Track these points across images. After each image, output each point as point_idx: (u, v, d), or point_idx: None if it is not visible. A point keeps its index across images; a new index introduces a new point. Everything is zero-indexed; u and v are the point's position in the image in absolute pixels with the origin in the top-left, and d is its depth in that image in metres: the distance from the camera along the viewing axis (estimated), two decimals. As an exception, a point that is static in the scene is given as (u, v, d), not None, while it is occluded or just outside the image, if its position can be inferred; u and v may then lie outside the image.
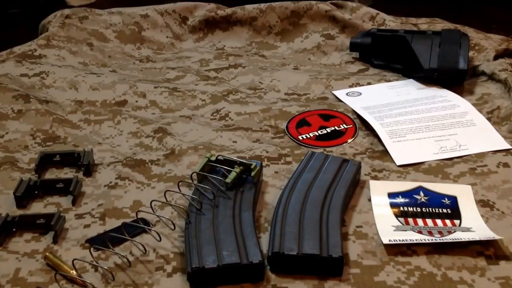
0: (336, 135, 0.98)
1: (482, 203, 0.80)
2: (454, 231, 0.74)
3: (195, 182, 0.80)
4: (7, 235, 0.76)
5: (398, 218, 0.77)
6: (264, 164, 0.88)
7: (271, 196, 0.82)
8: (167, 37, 1.39)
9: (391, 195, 0.81)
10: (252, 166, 0.80)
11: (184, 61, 1.30)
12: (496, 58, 1.18)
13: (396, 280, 0.67)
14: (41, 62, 1.22)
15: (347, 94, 1.12)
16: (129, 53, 1.33)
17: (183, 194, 0.78)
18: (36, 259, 0.72)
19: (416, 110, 1.03)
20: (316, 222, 0.72)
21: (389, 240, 0.72)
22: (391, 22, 1.34)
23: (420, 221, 0.76)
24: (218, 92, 1.13)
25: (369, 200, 0.81)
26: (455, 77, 1.10)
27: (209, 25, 1.41)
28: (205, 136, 0.98)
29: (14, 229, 0.76)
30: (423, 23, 1.36)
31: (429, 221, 0.76)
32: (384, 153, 0.92)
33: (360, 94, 1.11)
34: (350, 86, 1.15)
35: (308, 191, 0.78)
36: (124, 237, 0.72)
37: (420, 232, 0.74)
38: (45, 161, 0.90)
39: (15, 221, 0.77)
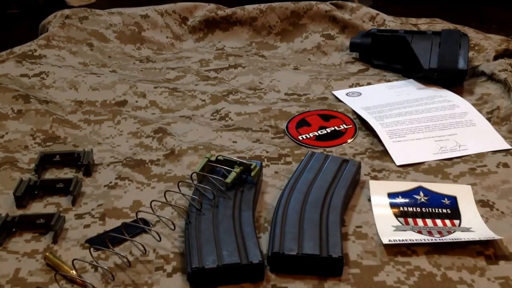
0: (336, 135, 0.98)
1: (482, 203, 0.80)
2: (454, 231, 0.74)
3: (195, 182, 0.80)
4: (7, 235, 0.76)
5: (398, 218, 0.77)
6: (264, 164, 0.88)
7: (271, 196, 0.82)
8: (167, 37, 1.40)
9: (391, 195, 0.81)
10: (252, 166, 0.80)
11: (184, 61, 1.30)
12: (496, 58, 1.18)
13: (396, 280, 0.67)
14: (41, 62, 1.22)
15: (347, 94, 1.12)
16: (129, 53, 1.33)
17: (183, 194, 0.78)
18: (36, 259, 0.72)
19: (416, 110, 1.03)
20: (316, 222, 0.72)
21: (389, 240, 0.72)
22: (391, 22, 1.34)
23: (420, 221, 0.76)
24: (218, 92, 1.13)
25: (369, 200, 0.81)
26: (455, 77, 1.10)
27: (209, 26, 1.41)
28: (205, 136, 0.98)
29: (14, 229, 0.76)
30: (423, 23, 1.36)
31: (429, 221, 0.76)
32: (384, 153, 0.92)
33: (360, 94, 1.11)
34: (350, 86, 1.15)
35: (308, 191, 0.78)
36: (124, 237, 0.72)
37: (420, 232, 0.74)
38: (45, 161, 0.90)
39: (15, 221, 0.77)
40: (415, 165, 0.89)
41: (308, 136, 0.97)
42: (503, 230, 0.74)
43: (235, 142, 0.96)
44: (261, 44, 1.38)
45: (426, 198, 0.80)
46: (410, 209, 0.79)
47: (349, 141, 0.96)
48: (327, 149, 0.94)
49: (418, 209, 0.78)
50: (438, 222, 0.76)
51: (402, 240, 0.72)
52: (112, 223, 0.77)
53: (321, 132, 0.99)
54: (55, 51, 1.27)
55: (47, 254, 0.71)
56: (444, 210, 0.78)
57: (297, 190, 0.79)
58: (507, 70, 1.10)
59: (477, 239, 0.72)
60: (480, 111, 1.02)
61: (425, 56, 1.12)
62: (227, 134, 0.98)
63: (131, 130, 1.00)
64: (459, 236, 0.73)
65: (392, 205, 0.79)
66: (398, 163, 0.89)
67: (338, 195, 0.78)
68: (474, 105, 1.03)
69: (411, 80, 1.15)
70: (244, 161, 0.81)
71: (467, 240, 0.72)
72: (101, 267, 0.69)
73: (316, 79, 1.18)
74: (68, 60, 1.25)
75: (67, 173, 0.89)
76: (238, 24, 1.40)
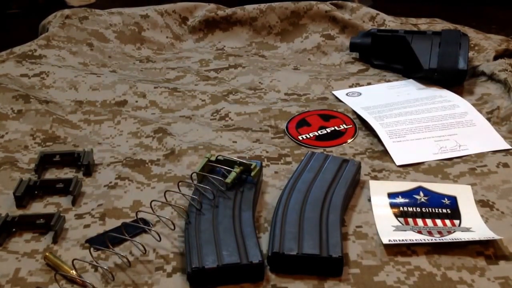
0: (336, 135, 0.98)
1: (482, 203, 0.80)
2: (454, 231, 0.74)
3: (195, 182, 0.80)
4: (7, 235, 0.76)
5: (398, 218, 0.77)
6: (264, 164, 0.88)
7: (271, 196, 0.82)
8: (167, 37, 1.40)
9: (391, 195, 0.81)
10: (252, 166, 0.80)
11: (184, 61, 1.30)
12: (496, 58, 1.18)
13: (396, 280, 0.67)
14: (41, 62, 1.22)
15: (347, 94, 1.12)
16: (129, 53, 1.33)
17: (183, 194, 0.78)
18: (36, 259, 0.72)
19: (416, 110, 1.03)
20: (316, 222, 0.72)
21: (389, 240, 0.72)
22: (391, 22, 1.34)
23: (420, 221, 0.76)
24: (218, 92, 1.13)
25: (369, 200, 0.81)
26: (455, 77, 1.10)
27: (209, 26, 1.41)
28: (205, 136, 0.98)
29: (14, 229, 0.76)
30: (423, 23, 1.36)
31: (429, 221, 0.76)
32: (384, 153, 0.92)
33: (360, 94, 1.11)
34: (350, 86, 1.15)
35: (308, 191, 0.78)
36: (124, 237, 0.72)
37: (420, 232, 0.74)
38: (45, 161, 0.90)
39: (15, 221, 0.77)
40: (415, 165, 0.89)
41: (308, 136, 0.97)
42: (503, 230, 0.74)
43: (235, 142, 0.96)
44: (261, 44, 1.38)
45: (426, 198, 0.80)
46: (410, 209, 0.79)
47: (349, 141, 0.96)
48: (327, 149, 0.94)
49: (418, 209, 0.78)
50: (438, 222, 0.76)
51: (402, 240, 0.72)
52: (112, 223, 0.77)
53: (321, 132, 0.99)
54: (55, 51, 1.27)
55: (47, 254, 0.71)
56: (444, 210, 0.78)
57: (297, 190, 0.79)
58: (507, 70, 1.10)
59: (477, 239, 0.72)
60: (480, 111, 1.02)
61: (425, 56, 1.12)
62: (227, 134, 0.98)
63: (131, 130, 1.00)
64: (459, 236, 0.73)
65: (392, 205, 0.79)
66: (398, 163, 0.89)
67: (338, 195, 0.78)
68: (474, 105, 1.03)
69: (411, 80, 1.15)
70: (244, 161, 0.81)
71: (467, 240, 0.72)
72: (101, 267, 0.69)
73: (316, 79, 1.18)
74: (68, 60, 1.25)
75: (67, 173, 0.89)
76: (238, 24, 1.40)
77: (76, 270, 0.68)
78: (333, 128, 0.99)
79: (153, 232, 0.73)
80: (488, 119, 0.99)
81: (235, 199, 0.77)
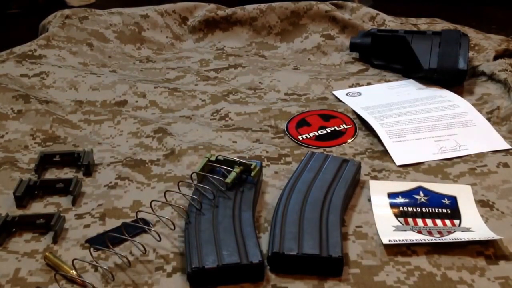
0: (336, 135, 0.98)
1: (482, 203, 0.80)
2: (454, 231, 0.74)
3: (195, 182, 0.80)
4: (7, 235, 0.76)
5: (398, 218, 0.77)
6: (264, 164, 0.88)
7: (271, 196, 0.82)
8: (167, 37, 1.40)
9: (391, 195, 0.81)
10: (252, 166, 0.80)
11: (184, 61, 1.30)
12: (496, 58, 1.18)
13: (396, 280, 0.67)
14: (41, 62, 1.22)
15: (347, 94, 1.12)
16: (129, 54, 1.33)
17: (183, 194, 0.78)
18: (36, 259, 0.72)
19: (416, 110, 1.03)
20: (316, 222, 0.72)
21: (389, 240, 0.72)
22: (391, 23, 1.34)
23: (419, 221, 0.76)
24: (218, 92, 1.13)
25: (369, 200, 0.81)
26: (455, 77, 1.10)
27: (209, 26, 1.41)
28: (205, 136, 0.98)
29: (14, 229, 0.76)
30: (423, 23, 1.36)
31: (428, 221, 0.76)
32: (384, 153, 0.92)
33: (360, 94, 1.11)
34: (350, 86, 1.15)
35: (308, 191, 0.78)
36: (124, 237, 0.72)
37: (420, 232, 0.74)
38: (45, 161, 0.90)
39: (15, 221, 0.77)
40: (415, 165, 0.89)
41: (308, 136, 0.97)
42: (503, 230, 0.74)
43: (235, 142, 0.96)
44: (261, 44, 1.38)
45: (426, 198, 0.80)
46: (410, 209, 0.79)
47: (349, 141, 0.96)
48: (327, 149, 0.94)
49: (418, 209, 0.78)
50: (438, 222, 0.76)
51: (402, 240, 0.72)
52: (112, 223, 0.77)
53: (321, 132, 0.99)
54: (55, 51, 1.27)
55: (47, 254, 0.71)
56: (444, 210, 0.78)
57: (297, 190, 0.79)
58: (507, 70, 1.10)
59: (477, 239, 0.72)
60: (480, 111, 1.02)
61: (425, 56, 1.12)
62: (227, 134, 0.98)
63: (131, 130, 1.00)
64: (459, 236, 0.73)
65: (392, 205, 0.79)
66: (398, 163, 0.89)
67: (338, 195, 0.78)
68: (474, 105, 1.03)
69: (411, 80, 1.15)
70: (244, 161, 0.81)
71: (467, 240, 0.72)
72: (101, 267, 0.69)
73: (316, 79, 1.18)
74: (68, 60, 1.25)
75: (67, 173, 0.89)
76: (238, 24, 1.40)
77: (76, 270, 0.68)
78: (333, 128, 1.00)
79: (153, 232, 0.73)
80: (488, 119, 0.99)
81: (235, 199, 0.77)
